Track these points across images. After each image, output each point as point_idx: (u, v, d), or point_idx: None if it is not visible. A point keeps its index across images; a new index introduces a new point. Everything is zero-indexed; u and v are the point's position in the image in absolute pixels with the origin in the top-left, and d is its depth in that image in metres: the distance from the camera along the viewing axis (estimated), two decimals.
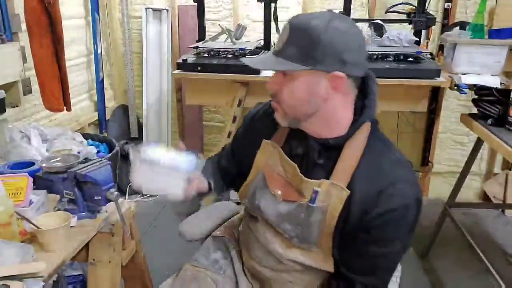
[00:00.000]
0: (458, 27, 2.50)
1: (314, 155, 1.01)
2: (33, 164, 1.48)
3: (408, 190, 0.95)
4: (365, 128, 0.99)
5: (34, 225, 1.07)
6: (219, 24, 2.49)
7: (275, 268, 1.11)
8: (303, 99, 0.95)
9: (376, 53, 2.18)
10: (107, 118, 2.90)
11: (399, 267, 1.26)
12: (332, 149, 0.99)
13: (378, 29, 2.25)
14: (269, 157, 1.09)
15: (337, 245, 1.01)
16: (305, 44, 0.90)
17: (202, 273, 1.20)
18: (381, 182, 0.95)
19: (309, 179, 1.00)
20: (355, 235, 0.98)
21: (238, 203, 1.41)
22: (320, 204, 0.98)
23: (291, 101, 0.96)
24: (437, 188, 3.03)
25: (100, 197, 1.20)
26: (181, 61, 2.22)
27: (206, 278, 1.19)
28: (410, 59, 2.18)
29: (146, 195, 3.03)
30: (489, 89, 1.93)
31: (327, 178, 0.98)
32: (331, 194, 0.97)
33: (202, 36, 2.47)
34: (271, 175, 1.08)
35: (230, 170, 1.27)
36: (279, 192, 1.05)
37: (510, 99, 1.77)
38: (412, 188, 0.96)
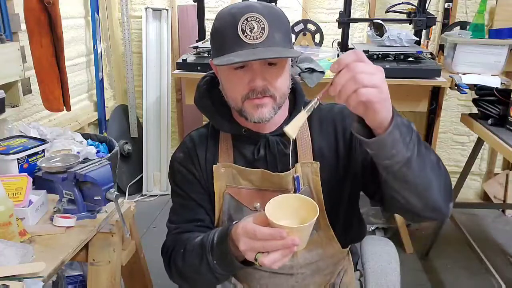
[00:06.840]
0: (458, 27, 2.51)
1: (281, 148, 1.00)
2: None
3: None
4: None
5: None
6: None
7: (287, 285, 1.06)
8: (288, 84, 0.96)
9: (377, 53, 2.18)
10: (107, 118, 2.89)
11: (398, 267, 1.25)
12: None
13: (378, 29, 2.24)
14: (225, 179, 1.02)
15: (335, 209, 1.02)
16: (285, 28, 0.92)
17: None
18: (330, 120, 1.02)
19: (283, 173, 0.99)
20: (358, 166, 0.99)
21: None
22: (305, 187, 0.99)
23: (284, 89, 0.94)
24: None
25: (99, 197, 1.19)
26: (181, 61, 2.21)
27: None
28: (410, 59, 2.18)
29: (145, 195, 3.04)
30: (490, 89, 1.93)
31: (297, 162, 1.00)
32: (306, 172, 0.99)
33: (202, 36, 2.47)
34: (238, 194, 1.02)
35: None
36: (258, 204, 1.00)
37: (511, 99, 1.77)
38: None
